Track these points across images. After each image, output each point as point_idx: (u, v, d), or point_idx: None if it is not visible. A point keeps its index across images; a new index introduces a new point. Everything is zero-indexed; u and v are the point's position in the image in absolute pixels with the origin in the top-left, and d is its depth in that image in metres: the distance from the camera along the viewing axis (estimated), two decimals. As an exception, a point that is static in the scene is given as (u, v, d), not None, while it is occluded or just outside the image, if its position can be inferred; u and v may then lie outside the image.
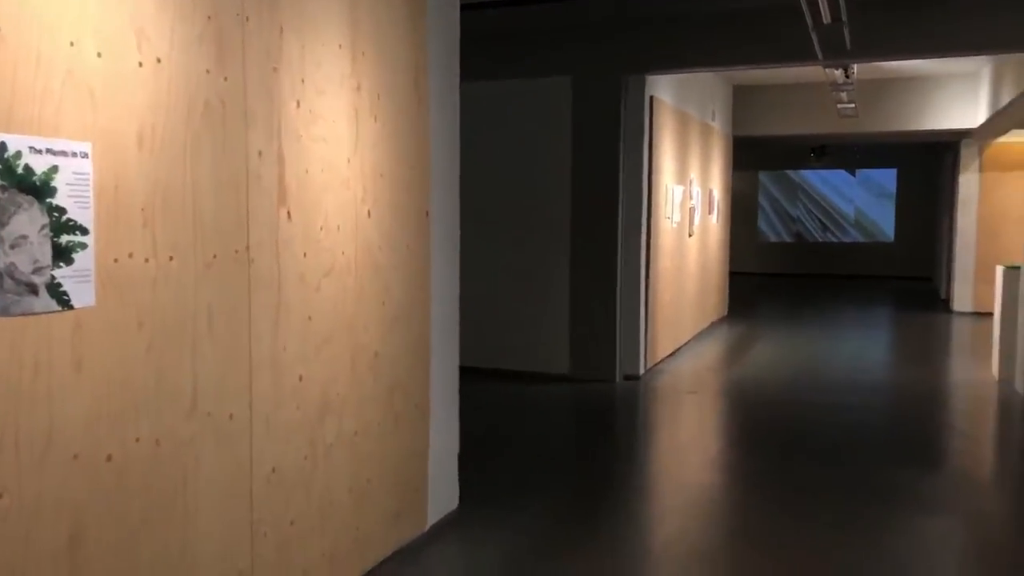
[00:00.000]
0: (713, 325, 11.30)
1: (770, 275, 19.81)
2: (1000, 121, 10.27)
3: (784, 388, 7.68)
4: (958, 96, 11.35)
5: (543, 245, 7.78)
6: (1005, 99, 8.66)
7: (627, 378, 7.72)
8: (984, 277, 12.85)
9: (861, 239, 19.99)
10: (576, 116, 7.56)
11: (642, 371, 7.85)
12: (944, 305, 14.00)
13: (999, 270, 8.01)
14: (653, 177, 7.90)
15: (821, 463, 5.37)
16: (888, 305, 14.63)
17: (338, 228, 3.13)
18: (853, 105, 10.14)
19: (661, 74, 7.83)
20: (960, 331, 11.67)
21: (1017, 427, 6.62)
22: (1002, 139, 12.62)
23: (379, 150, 3.41)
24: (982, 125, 10.89)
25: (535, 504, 4.55)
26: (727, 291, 12.57)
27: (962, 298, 13.04)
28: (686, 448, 5.91)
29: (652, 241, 7.95)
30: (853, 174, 19.97)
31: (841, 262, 19.86)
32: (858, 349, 9.87)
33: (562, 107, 7.60)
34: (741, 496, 4.84)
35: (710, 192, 10.73)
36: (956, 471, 5.45)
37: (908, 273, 18.97)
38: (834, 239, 20.22)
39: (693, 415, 6.94)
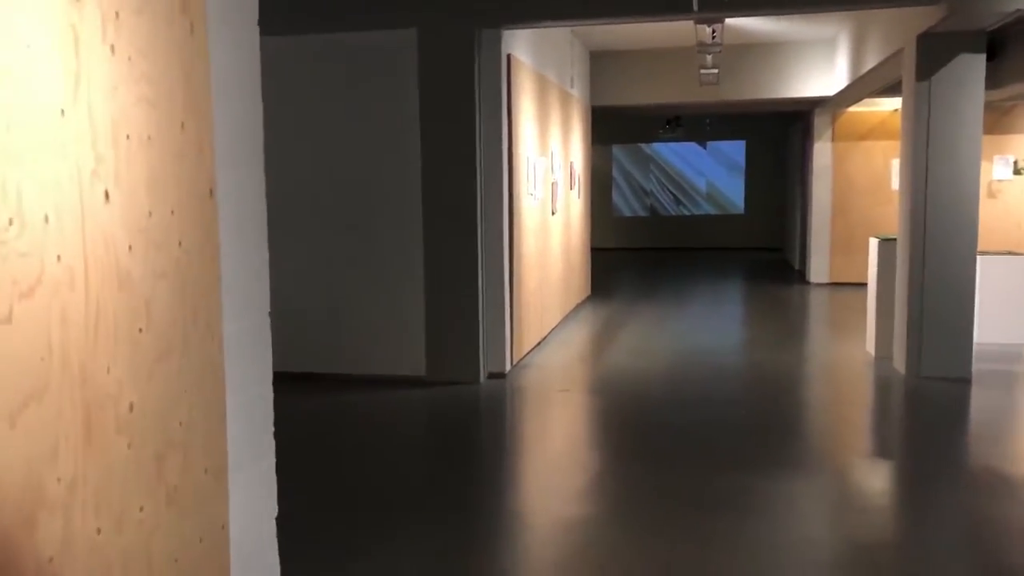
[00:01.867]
0: (578, 308, 10.58)
1: (626, 250, 19.50)
2: (858, 88, 10.04)
3: (657, 380, 6.99)
4: (815, 64, 11.09)
5: (390, 230, 6.70)
6: (868, 65, 8.31)
7: (492, 376, 6.79)
8: (840, 248, 12.85)
9: (713, 211, 20.02)
10: (424, 77, 6.49)
11: (508, 368, 6.95)
12: (800, 276, 13.97)
13: (873, 242, 7.64)
14: (513, 148, 6.97)
15: (704, 471, 4.63)
16: (745, 277, 14.49)
17: (45, 220, 1.96)
18: (716, 71, 9.61)
19: (520, 27, 6.88)
20: (822, 303, 11.52)
21: (908, 410, 6.19)
22: (852, 108, 12.58)
23: (122, 98, 2.25)
24: (839, 93, 10.67)
25: (380, 558, 3.54)
26: (590, 271, 11.90)
27: (818, 269, 12.99)
28: (561, 465, 5.04)
29: (515, 221, 7.03)
30: (704, 147, 19.93)
31: (694, 235, 19.82)
32: (726, 327, 9.41)
33: (407, 65, 6.52)
34: (620, 533, 4.01)
35: (571, 165, 9.95)
36: (852, 466, 4.88)
37: (759, 244, 19.14)
38: (687, 212, 20.15)
39: (566, 419, 6.11)
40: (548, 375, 7.09)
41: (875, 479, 4.82)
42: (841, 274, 12.83)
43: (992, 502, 4.26)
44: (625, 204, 20.43)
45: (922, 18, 6.41)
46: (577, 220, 10.53)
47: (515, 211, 7.02)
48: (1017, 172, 11.92)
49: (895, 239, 7.33)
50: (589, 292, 11.76)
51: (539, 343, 8.14)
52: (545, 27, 7.68)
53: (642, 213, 20.34)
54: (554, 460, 5.11)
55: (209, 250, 2.64)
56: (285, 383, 6.86)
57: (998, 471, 4.77)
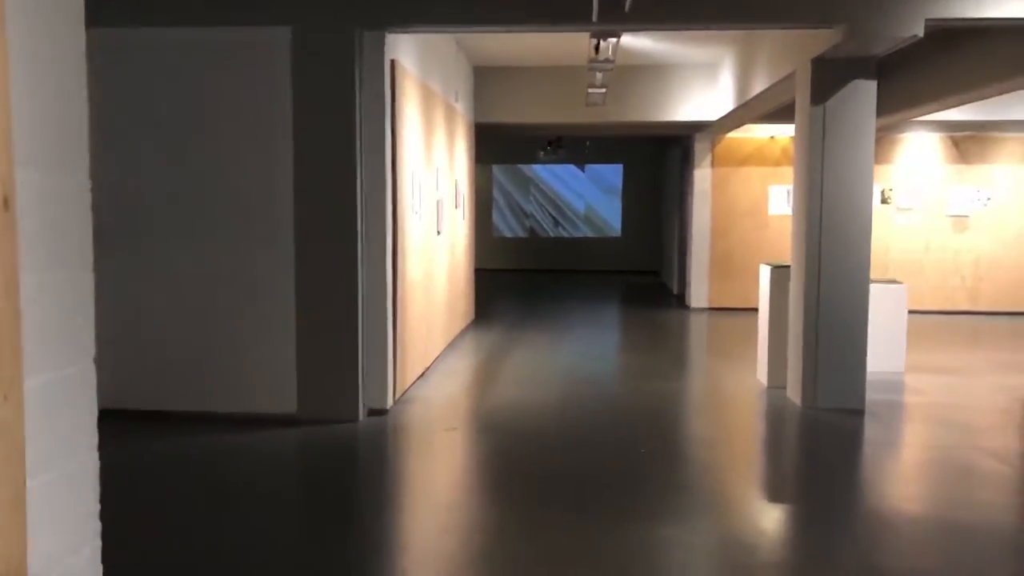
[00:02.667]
0: (462, 333, 10.06)
1: (506, 271, 19.17)
2: (741, 113, 10.06)
3: (546, 415, 6.53)
4: (698, 87, 11.09)
5: (256, 249, 5.97)
6: (756, 88, 8.26)
7: (372, 413, 6.16)
8: (719, 273, 12.92)
9: (590, 234, 20.01)
10: (299, 79, 5.84)
11: (390, 403, 6.32)
12: (679, 301, 13.99)
13: (764, 269, 7.52)
14: (397, 161, 6.39)
15: (595, 525, 4.19)
16: (626, 301, 14.39)
17: None
18: (604, 90, 9.36)
19: (407, 30, 6.34)
20: (705, 329, 11.48)
21: (806, 445, 5.99)
22: (731, 134, 12.71)
23: None
24: (722, 117, 10.68)
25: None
26: (474, 294, 11.42)
27: (698, 294, 13.02)
28: (447, 523, 4.47)
29: (399, 240, 6.45)
30: (582, 169, 19.92)
31: (573, 257, 19.73)
32: (612, 355, 9.12)
33: (279, 66, 5.84)
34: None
35: (456, 183, 9.45)
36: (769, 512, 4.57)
37: (636, 267, 19.23)
38: (565, 234, 20.05)
39: (453, 465, 5.54)
40: (433, 411, 6.51)
41: (773, 524, 4.51)
42: (721, 299, 12.89)
43: (888, 552, 4.01)
44: (505, 224, 20.13)
45: (815, 42, 6.32)
46: (462, 241, 10.03)
47: (399, 230, 6.45)
48: (884, 201, 12.34)
49: (787, 267, 7.22)
50: (473, 316, 11.26)
51: (423, 373, 7.55)
52: (435, 31, 7.19)
53: (521, 234, 20.09)
54: (440, 517, 4.53)
55: (3, 275, 1.95)
56: (129, 422, 6.02)
57: (899, 514, 4.57)
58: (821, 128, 6.43)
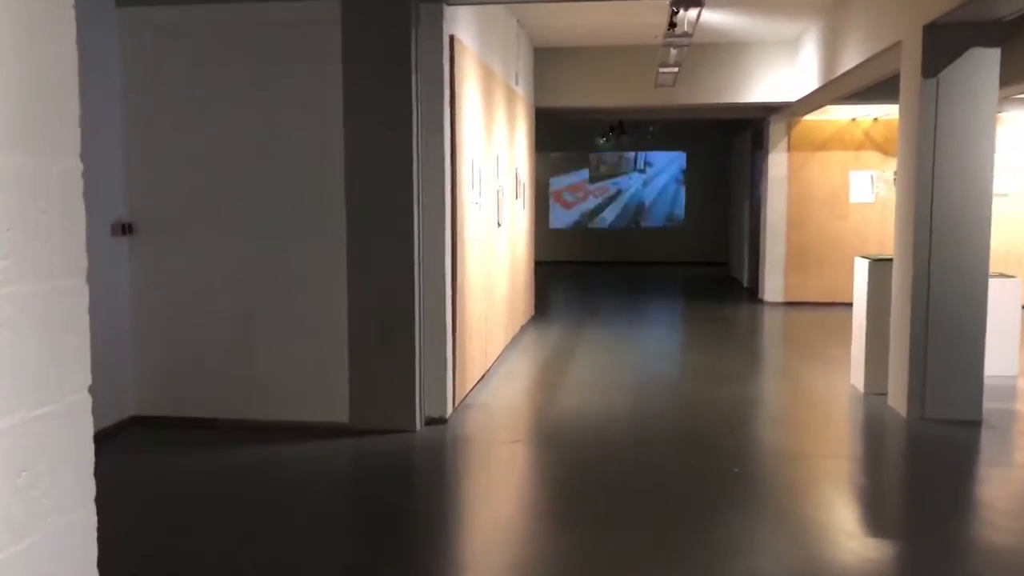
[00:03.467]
0: (522, 331, 9.49)
1: (563, 263, 18.54)
2: (826, 92, 9.26)
3: (617, 425, 5.92)
4: (776, 67, 10.31)
5: (305, 245, 5.49)
6: (849, 63, 7.49)
7: (430, 423, 5.63)
8: (795, 265, 12.12)
9: (653, 224, 19.24)
10: (350, 57, 5.32)
11: (450, 410, 5.79)
12: (750, 294, 13.20)
13: (861, 263, 6.78)
14: (457, 147, 5.84)
15: (673, 557, 3.58)
16: (692, 295, 13.66)
17: None
18: (677, 69, 8.68)
19: (465, 1, 5.77)
20: (783, 326, 10.71)
21: (919, 464, 5.27)
22: (808, 117, 11.88)
23: None
24: (803, 98, 9.90)
25: None
26: (534, 288, 10.85)
27: (773, 288, 12.22)
28: (515, 550, 3.91)
29: (458, 234, 5.90)
30: (645, 157, 19.14)
31: (634, 248, 18.98)
32: (684, 354, 8.45)
33: (329, 43, 5.33)
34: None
35: (516, 171, 8.88)
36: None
37: (702, 259, 18.42)
38: (625, 224, 19.31)
39: (519, 481, 4.98)
40: (495, 419, 5.96)
41: (875, 564, 3.84)
42: (797, 293, 12.09)
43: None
44: (561, 215, 19.49)
45: (925, 7, 5.57)
46: (522, 233, 9.46)
47: (458, 222, 5.90)
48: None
49: (887, 260, 6.48)
50: (532, 312, 10.69)
51: (483, 376, 7.01)
52: (497, 1, 6.57)
53: (579, 224, 19.41)
54: (502, 542, 3.98)
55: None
56: (171, 430, 5.59)
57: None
58: (934, 104, 5.68)
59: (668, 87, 9.81)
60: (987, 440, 5.51)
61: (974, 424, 5.74)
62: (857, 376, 6.79)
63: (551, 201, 19.34)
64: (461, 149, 5.97)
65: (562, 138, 18.28)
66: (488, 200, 7.02)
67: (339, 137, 5.35)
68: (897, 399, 6.07)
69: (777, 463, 5.15)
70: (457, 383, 5.93)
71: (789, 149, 12.05)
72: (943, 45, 5.63)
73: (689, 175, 18.89)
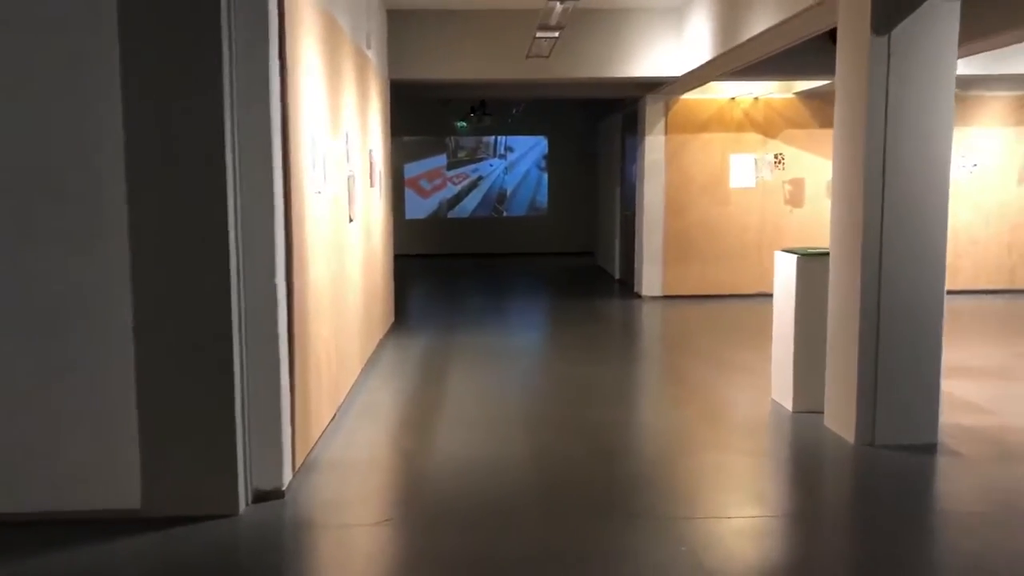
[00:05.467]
0: (382, 346, 8.01)
1: (422, 256, 17.08)
2: (717, 66, 8.29)
3: (516, 479, 4.59)
4: (660, 36, 9.27)
5: (70, 257, 3.80)
6: (760, 25, 6.47)
7: (260, 498, 4.08)
8: (676, 257, 11.23)
9: (516, 212, 18.07)
10: (127, 5, 3.68)
11: (288, 478, 4.26)
12: (625, 288, 12.25)
13: (785, 258, 5.76)
14: (291, 121, 4.29)
15: None
16: (566, 291, 12.56)
17: None
18: (557, 35, 7.42)
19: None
20: (672, 326, 9.74)
21: (890, 515, 4.24)
22: (687, 95, 10.99)
23: None
24: (691, 72, 8.91)
25: None
26: (393, 292, 9.36)
27: (651, 281, 11.29)
28: None
29: (295, 234, 4.36)
30: (506, 141, 17.93)
31: (494, 238, 17.75)
32: (574, 369, 7.25)
33: (88, -37, 3.66)
34: None
35: (371, 155, 7.36)
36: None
37: (567, 249, 17.44)
38: (486, 213, 18.04)
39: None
40: (352, 485, 4.47)
41: None
42: (678, 286, 11.22)
43: None
44: (418, 204, 17.97)
45: (870, -50, 4.56)
46: (379, 228, 7.96)
47: (296, 219, 4.36)
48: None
49: (820, 254, 5.49)
50: (392, 320, 9.21)
51: (335, 416, 5.50)
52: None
53: (437, 214, 17.96)
54: None
55: None
56: None
57: None
58: (885, 67, 4.67)
59: (543, 58, 8.56)
60: (953, 471, 4.59)
61: (930, 449, 4.83)
62: (782, 391, 5.79)
63: (406, 189, 17.80)
64: (297, 123, 4.43)
65: (417, 120, 16.75)
66: (336, 190, 5.49)
67: (116, 107, 3.71)
68: (839, 421, 5.08)
69: (720, 530, 3.96)
70: (298, 436, 4.41)
71: (666, 131, 11.12)
72: (895, -4, 4.63)
73: (552, 161, 17.84)
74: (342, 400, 5.78)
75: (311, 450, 4.76)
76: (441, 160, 17.91)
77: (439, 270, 15.26)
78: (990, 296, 10.88)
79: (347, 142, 5.96)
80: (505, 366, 7.30)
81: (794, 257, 5.58)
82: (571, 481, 4.50)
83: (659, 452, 4.97)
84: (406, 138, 17.43)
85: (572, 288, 12.78)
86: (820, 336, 5.37)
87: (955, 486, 4.42)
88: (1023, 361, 7.18)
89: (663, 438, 5.23)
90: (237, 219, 3.93)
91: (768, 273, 11.29)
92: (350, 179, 6.04)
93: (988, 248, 11.16)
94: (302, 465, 4.53)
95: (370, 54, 7.37)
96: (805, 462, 4.92)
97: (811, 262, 5.50)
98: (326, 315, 5.16)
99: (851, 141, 4.92)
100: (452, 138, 17.63)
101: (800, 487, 4.56)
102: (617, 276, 13.31)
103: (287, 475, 4.21)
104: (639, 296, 11.34)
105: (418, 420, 5.71)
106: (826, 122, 11.06)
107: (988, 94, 10.91)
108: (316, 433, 4.89)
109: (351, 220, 6.10)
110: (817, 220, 11.11)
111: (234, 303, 3.89)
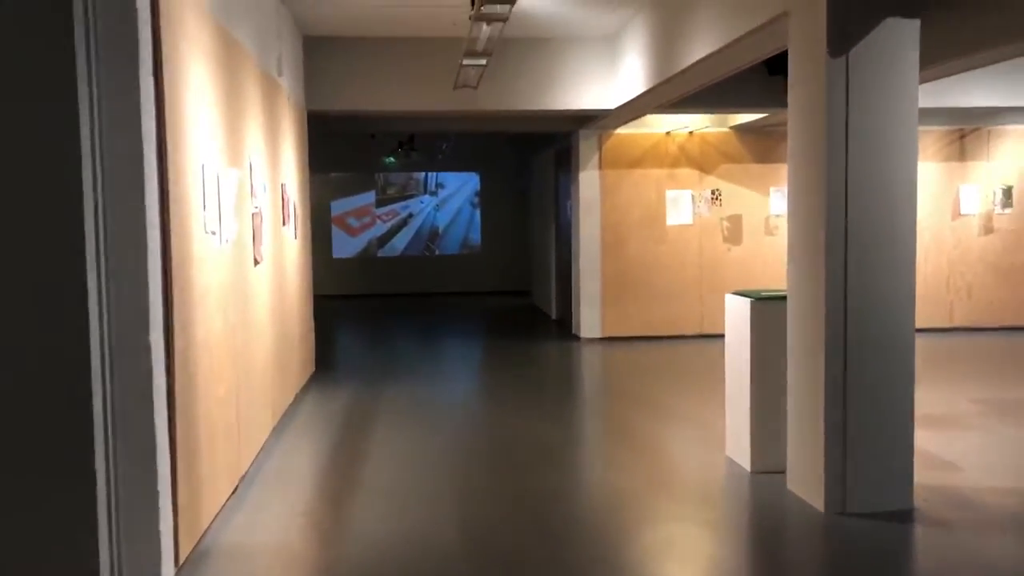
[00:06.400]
0: (299, 400, 7.27)
1: (348, 297, 16.32)
2: (651, 98, 7.91)
3: (441, 559, 3.97)
4: (594, 67, 8.87)
5: None
6: (696, 54, 6.08)
7: (133, 603, 3.35)
8: (614, 296, 10.77)
9: (448, 250, 17.46)
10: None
11: (170, 573, 3.53)
12: (562, 329, 11.73)
13: (737, 302, 5.29)
14: (170, 148, 3.63)
15: None
16: (500, 334, 11.98)
17: None
18: (484, 62, 6.92)
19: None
20: (613, 372, 9.22)
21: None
22: (620, 130, 10.63)
23: None
24: (623, 106, 8.51)
25: None
26: (313, 339, 8.63)
27: (589, 322, 10.79)
28: None
29: (176, 281, 3.67)
30: (437, 177, 17.37)
31: (426, 277, 17.11)
32: (510, 421, 6.65)
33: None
34: None
35: (283, 189, 6.69)
36: None
37: (501, 287, 16.90)
38: (417, 252, 17.39)
39: None
40: None
41: None
42: (617, 327, 10.75)
43: None
44: (344, 243, 17.21)
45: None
46: (294, 271, 7.26)
47: (177, 263, 3.68)
48: (800, 206, 10.60)
49: (775, 298, 5.04)
50: (313, 369, 8.48)
51: (236, 488, 4.77)
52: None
53: (365, 253, 17.22)
54: None
55: None
56: None
57: None
58: (843, 90, 4.26)
59: (471, 88, 8.05)
60: (935, 545, 4.11)
61: (906, 517, 4.35)
62: (738, 448, 5.28)
63: (333, 227, 17.05)
64: (181, 149, 3.77)
65: (343, 156, 16.10)
66: (236, 229, 4.81)
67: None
68: (805, 485, 4.58)
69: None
70: (183, 522, 3.69)
71: (600, 166, 10.73)
72: (854, 13, 4.23)
73: (484, 197, 17.36)
74: (246, 468, 5.05)
75: (203, 536, 4.03)
76: (370, 197, 17.26)
77: (368, 311, 14.54)
78: (929, 334, 10.70)
79: (251, 174, 5.29)
80: (435, 422, 6.64)
81: (747, 301, 5.11)
82: (507, 564, 3.86)
83: (606, 526, 4.38)
84: (333, 174, 16.75)
85: (508, 330, 12.21)
86: (779, 387, 4.89)
87: (940, 565, 3.93)
88: (977, 407, 6.85)
89: (610, 509, 4.64)
90: (100, 265, 3.24)
91: (709, 313, 10.98)
92: (255, 216, 5.36)
93: (926, 285, 11.00)
94: (189, 557, 3.79)
95: (282, 81, 6.74)
96: (771, 537, 4.38)
97: (766, 306, 5.04)
98: (222, 373, 4.45)
99: (808, 173, 4.48)
100: (381, 174, 17.02)
101: (768, 568, 4.01)
102: (554, 316, 12.80)
103: (168, 570, 3.47)
104: (578, 338, 10.82)
105: (335, 491, 5.00)
106: (762, 156, 10.85)
107: (922, 128, 10.83)
108: (209, 514, 4.16)
109: (257, 262, 5.41)
110: (757, 258, 10.82)
111: (95, 368, 3.18)
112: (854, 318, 4.35)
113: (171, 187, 3.58)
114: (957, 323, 10.94)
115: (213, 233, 4.27)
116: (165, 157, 3.53)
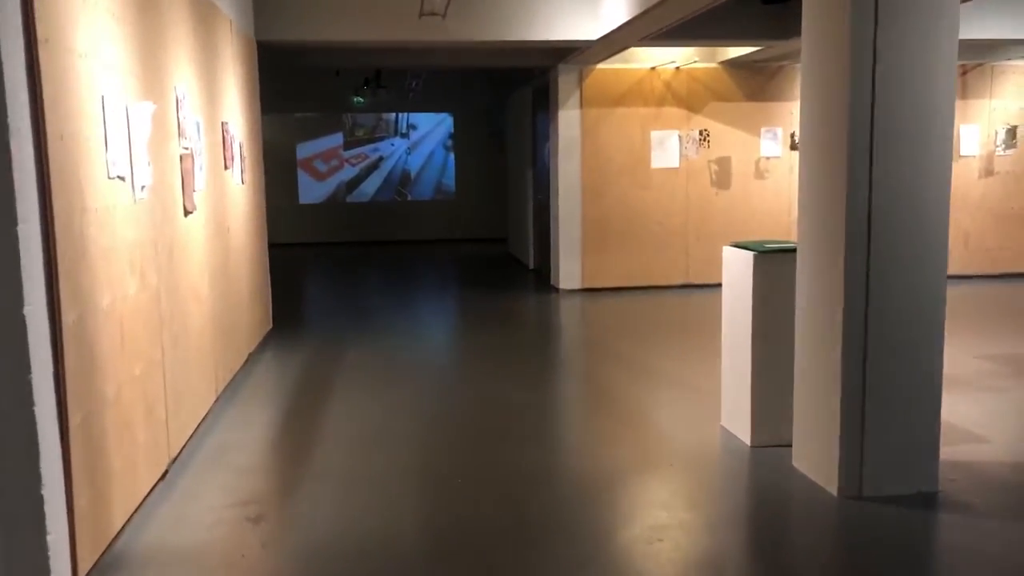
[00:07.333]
0: (252, 360, 6.63)
1: (313, 245, 15.59)
2: (641, 25, 7.17)
3: (400, 560, 3.40)
4: (571, -4, 8.07)
5: None
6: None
7: (14, 636, 2.74)
8: (594, 244, 10.13)
9: (421, 196, 16.69)
10: None
11: (64, 595, 2.92)
12: (540, 280, 11.11)
13: (738, 255, 4.67)
14: (47, 71, 2.90)
15: None
16: (476, 285, 11.35)
17: None
18: (453, -16, 6.14)
19: None
20: (594, 327, 8.63)
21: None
22: (602, 65, 9.87)
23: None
24: (608, 35, 7.76)
25: None
26: (269, 292, 7.95)
27: (569, 273, 10.17)
28: None
29: (61, 241, 2.98)
30: (407, 117, 16.50)
31: (397, 224, 16.37)
32: (485, 386, 6.06)
33: None
34: None
35: (225, 128, 5.93)
36: None
37: (476, 235, 16.23)
38: (386, 197, 16.60)
39: None
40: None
41: None
42: (597, 278, 10.14)
43: None
44: (310, 188, 16.38)
45: None
46: (241, 220, 6.53)
47: (63, 219, 2.98)
48: (794, 147, 9.98)
49: (783, 249, 4.43)
50: (270, 326, 7.81)
51: (165, 473, 4.14)
52: None
53: (333, 198, 16.42)
54: None
55: None
56: None
57: None
58: (871, 26, 3.59)
59: (438, 16, 7.26)
60: (966, 536, 3.58)
61: (931, 501, 3.82)
62: (735, 418, 4.72)
63: (299, 171, 16.20)
64: (68, 74, 3.03)
65: (308, 95, 15.20)
66: (155, 173, 4.09)
67: None
68: (815, 463, 4.03)
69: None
70: (84, 526, 3.06)
71: (581, 105, 9.98)
72: (888, -87, 3.54)
73: (458, 140, 16.54)
74: (179, 450, 4.42)
75: (114, 540, 3.41)
76: (337, 139, 16.39)
77: (336, 260, 13.83)
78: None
79: (178, 110, 4.55)
80: (400, 388, 6.02)
81: (749, 254, 4.49)
82: (477, 569, 3.29)
83: (589, 517, 3.81)
84: (298, 115, 15.86)
85: (482, 280, 11.57)
86: (785, 352, 4.31)
87: (974, 560, 3.40)
88: (987, 365, 6.34)
89: (592, 493, 4.07)
90: (-47, 220, 2.55)
91: (695, 262, 10.38)
92: (184, 158, 4.63)
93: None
94: (94, 569, 3.17)
95: (220, 4, 5.93)
96: (774, 525, 3.81)
97: (772, 260, 4.43)
98: (139, 347, 3.78)
99: (827, 116, 3.83)
100: (349, 115, 16.12)
101: (772, 562, 3.47)
102: (532, 266, 12.17)
103: (59, 589, 2.86)
104: (556, 289, 10.22)
105: (280, 474, 4.40)
106: (754, 94, 10.15)
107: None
108: (125, 512, 3.53)
109: (188, 213, 4.70)
110: (745, 203, 10.20)
111: (-53, 351, 2.51)
112: (877, 271, 3.75)
113: (48, 125, 2.86)
114: (952, 271, 10.43)
115: (120, 179, 3.55)
116: (39, 87, 2.80)
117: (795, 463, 4.20)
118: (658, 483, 4.21)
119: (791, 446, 4.25)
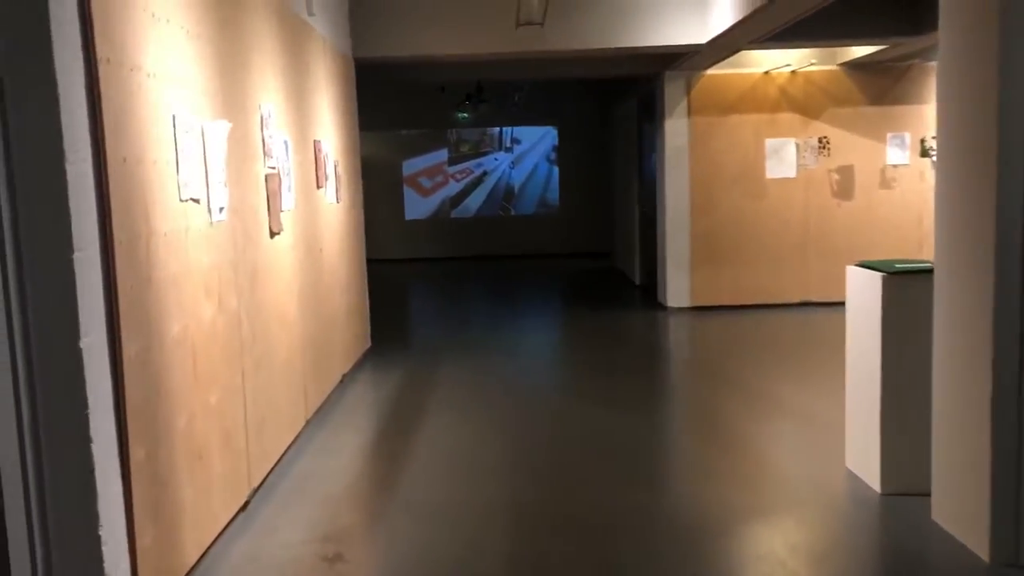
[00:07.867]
0: (350, 380, 6.51)
1: (419, 260, 15.60)
2: (742, 32, 6.69)
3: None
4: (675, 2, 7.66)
5: None
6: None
7: None
8: (704, 261, 9.61)
9: (524, 210, 16.48)
10: None
11: (123, 644, 2.76)
12: (647, 296, 10.65)
13: (864, 276, 4.16)
14: (107, 92, 2.77)
15: None
16: (582, 302, 11.00)
17: None
18: (549, -10, 5.86)
19: None
20: (707, 349, 8.14)
21: None
22: (711, 71, 9.38)
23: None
24: (717, 38, 7.30)
25: None
26: (367, 310, 7.85)
27: (677, 289, 9.68)
28: None
29: (124, 273, 2.84)
30: (511, 131, 16.35)
31: (501, 239, 16.19)
32: (585, 415, 5.70)
33: None
34: None
35: (317, 147, 5.83)
36: None
37: (581, 249, 15.86)
38: (489, 213, 16.45)
39: None
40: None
41: None
42: (707, 295, 9.60)
43: None
44: (414, 204, 16.44)
45: None
46: (337, 238, 6.44)
47: (129, 245, 2.85)
48: (923, 154, 9.19)
49: (919, 270, 3.91)
50: (368, 344, 7.71)
51: (246, 503, 4.00)
52: None
53: (437, 214, 16.41)
54: None
55: None
56: None
57: None
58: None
59: (536, 25, 6.99)
60: None
61: (1102, 563, 3.23)
62: (862, 459, 4.19)
63: (405, 188, 16.29)
64: (134, 97, 2.91)
65: (413, 112, 15.26)
66: (239, 194, 3.97)
67: None
68: (959, 520, 3.49)
69: None
70: (147, 562, 2.90)
71: (689, 113, 9.51)
72: None
73: (562, 153, 16.26)
74: (262, 478, 4.27)
75: (203, 554, 3.25)
76: (442, 155, 16.40)
77: (440, 276, 13.77)
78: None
79: (263, 129, 4.43)
80: (497, 413, 5.74)
81: (877, 275, 3.98)
82: (563, 632, 2.95)
83: (689, 570, 3.40)
84: (403, 132, 15.96)
85: (586, 297, 11.22)
86: (921, 388, 3.78)
87: None
88: None
89: (696, 542, 3.65)
90: (11, 254, 2.43)
91: (814, 278, 9.71)
92: (269, 179, 4.51)
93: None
94: (161, 608, 3.02)
95: (313, 23, 5.85)
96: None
97: (904, 282, 3.91)
98: (214, 373, 3.63)
99: (972, 118, 3.31)
100: (453, 130, 16.11)
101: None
102: (638, 281, 11.72)
103: (116, 643, 2.70)
104: (664, 307, 9.75)
105: (363, 505, 4.19)
106: (878, 98, 9.42)
107: None
108: (199, 546, 3.38)
109: (273, 234, 4.58)
110: (870, 215, 9.46)
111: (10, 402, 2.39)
112: (1036, 302, 3.20)
113: (109, 148, 2.72)
114: None
115: (195, 201, 3.42)
116: (99, 108, 2.67)
117: (935, 517, 3.66)
118: (773, 533, 3.75)
119: (929, 496, 3.72)
